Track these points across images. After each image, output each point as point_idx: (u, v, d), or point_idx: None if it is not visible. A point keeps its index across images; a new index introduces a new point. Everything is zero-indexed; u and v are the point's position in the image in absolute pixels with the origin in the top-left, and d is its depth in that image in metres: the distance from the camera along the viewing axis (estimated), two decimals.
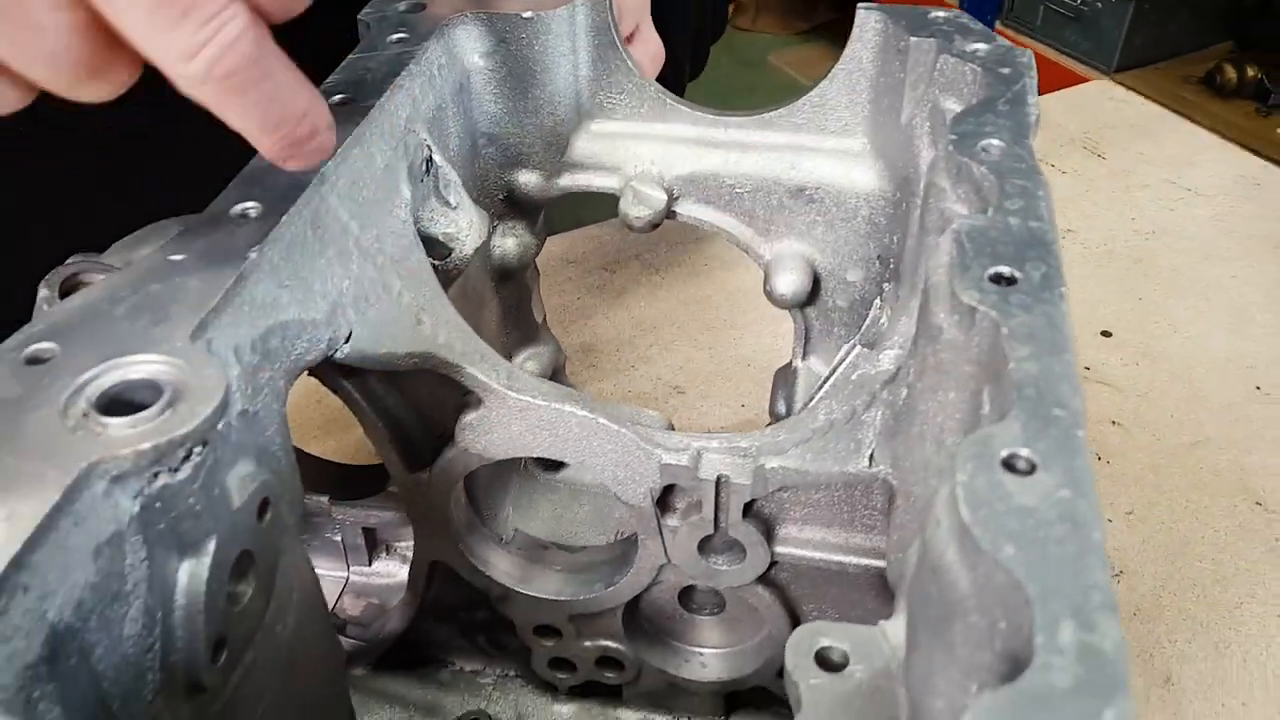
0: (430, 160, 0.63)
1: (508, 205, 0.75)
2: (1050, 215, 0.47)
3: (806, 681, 0.43)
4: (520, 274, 0.78)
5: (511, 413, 0.58)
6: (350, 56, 0.62)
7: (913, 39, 0.63)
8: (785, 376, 0.80)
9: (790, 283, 0.73)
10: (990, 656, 0.33)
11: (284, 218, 0.49)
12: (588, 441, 0.58)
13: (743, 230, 0.74)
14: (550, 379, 0.85)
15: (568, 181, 0.74)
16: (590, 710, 0.71)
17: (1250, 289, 1.15)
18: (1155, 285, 1.16)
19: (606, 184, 0.73)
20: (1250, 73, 1.86)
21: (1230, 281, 1.17)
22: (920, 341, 0.47)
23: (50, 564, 0.34)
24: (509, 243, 0.76)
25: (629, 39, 0.75)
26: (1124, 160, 1.39)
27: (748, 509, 0.58)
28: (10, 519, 0.33)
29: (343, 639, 0.71)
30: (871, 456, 0.53)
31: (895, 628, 0.45)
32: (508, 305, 0.79)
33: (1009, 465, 0.35)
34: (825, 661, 0.44)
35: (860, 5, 0.65)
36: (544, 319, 0.83)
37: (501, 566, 0.65)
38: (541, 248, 0.78)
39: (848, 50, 0.68)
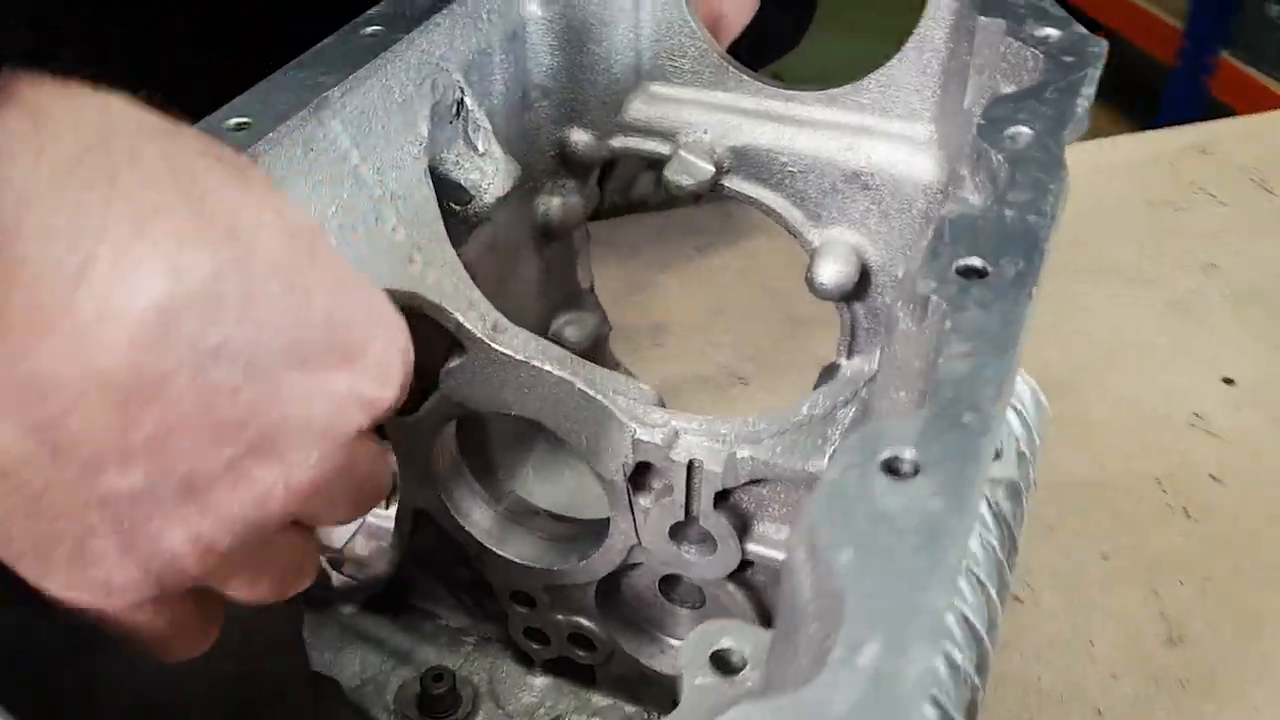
0: (461, 103, 0.62)
1: (558, 162, 0.73)
2: (1055, 212, 0.42)
3: (692, 682, 0.40)
4: (567, 235, 0.76)
5: (491, 364, 0.56)
6: None
7: (981, 19, 0.57)
8: (828, 375, 0.75)
9: (834, 273, 0.68)
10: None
11: (272, 133, 0.50)
12: (564, 405, 0.56)
13: (792, 212, 0.69)
14: (590, 348, 0.82)
15: (619, 143, 0.71)
16: (562, 688, 0.68)
17: None
18: None
19: (656, 149, 0.70)
20: None
21: None
22: (885, 335, 0.42)
23: None
24: (554, 201, 0.74)
25: None
26: None
27: (721, 499, 0.54)
28: None
29: (336, 575, 0.71)
30: (832, 456, 0.48)
31: None
32: (551, 266, 0.77)
33: (890, 467, 0.30)
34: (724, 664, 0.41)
35: None
36: (591, 285, 0.81)
37: (481, 524, 0.64)
38: (591, 209, 0.76)
39: (919, 28, 0.63)
